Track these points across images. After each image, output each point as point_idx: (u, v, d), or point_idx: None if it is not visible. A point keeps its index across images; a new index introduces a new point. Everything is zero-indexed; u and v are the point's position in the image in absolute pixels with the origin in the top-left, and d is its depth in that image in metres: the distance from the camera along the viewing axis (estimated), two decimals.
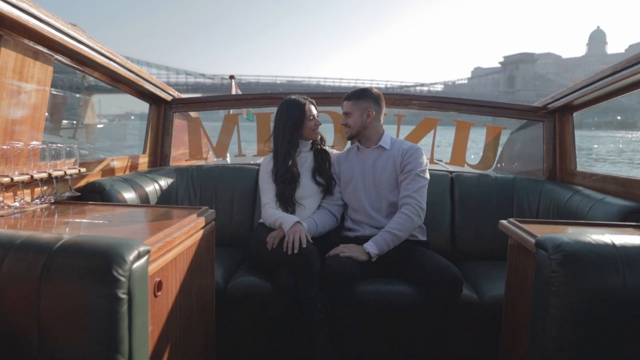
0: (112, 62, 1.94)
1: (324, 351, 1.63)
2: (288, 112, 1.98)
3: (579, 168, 2.31)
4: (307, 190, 1.99)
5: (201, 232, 1.43)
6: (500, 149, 2.67)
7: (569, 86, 2.24)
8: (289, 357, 1.73)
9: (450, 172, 2.41)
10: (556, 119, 2.45)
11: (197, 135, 2.83)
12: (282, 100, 2.04)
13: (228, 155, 2.91)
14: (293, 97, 2.02)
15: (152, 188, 2.15)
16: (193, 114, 2.93)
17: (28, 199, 1.56)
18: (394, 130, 2.53)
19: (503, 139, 2.69)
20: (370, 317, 1.78)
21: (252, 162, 2.68)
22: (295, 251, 1.73)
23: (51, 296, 0.81)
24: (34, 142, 1.59)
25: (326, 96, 2.57)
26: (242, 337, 1.88)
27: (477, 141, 2.86)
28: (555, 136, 2.45)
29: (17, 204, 1.47)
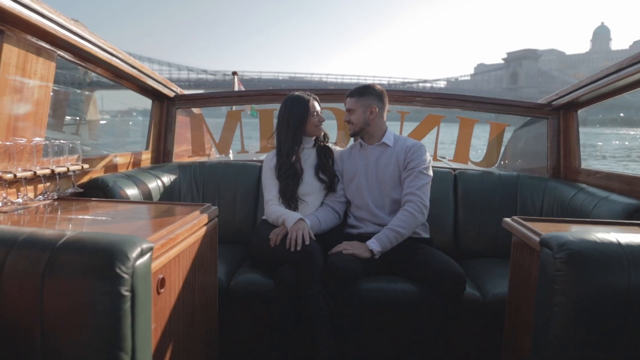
0: (114, 58, 1.93)
1: (326, 349, 1.63)
2: (292, 108, 1.97)
3: (583, 166, 2.30)
4: (310, 187, 1.98)
5: (204, 229, 1.43)
6: (503, 146, 2.66)
7: (572, 83, 2.22)
8: (291, 354, 1.74)
9: (454, 170, 2.40)
10: (560, 116, 2.43)
11: (200, 131, 2.83)
12: (286, 96, 2.04)
13: (231, 151, 2.91)
14: (297, 93, 2.02)
15: (154, 184, 2.15)
16: (196, 110, 2.92)
17: (31, 195, 1.56)
18: (397, 127, 2.51)
19: (507, 136, 2.67)
20: (373, 315, 1.78)
21: (254, 158, 2.68)
22: (298, 248, 1.73)
23: (54, 293, 0.81)
24: (37, 139, 1.59)
25: (329, 93, 2.56)
26: (245, 334, 1.88)
27: (480, 138, 2.84)
28: (560, 133, 2.43)
29: (20, 200, 1.48)
